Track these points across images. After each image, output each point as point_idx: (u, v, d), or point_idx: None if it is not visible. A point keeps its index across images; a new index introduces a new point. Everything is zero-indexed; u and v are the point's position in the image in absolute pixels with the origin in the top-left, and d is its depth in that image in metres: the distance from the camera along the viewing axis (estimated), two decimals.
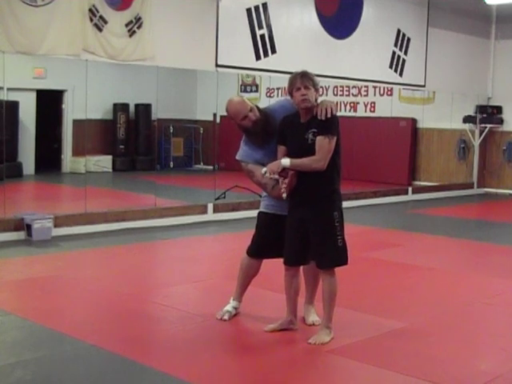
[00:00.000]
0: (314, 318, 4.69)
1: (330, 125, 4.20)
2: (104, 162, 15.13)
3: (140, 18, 8.39)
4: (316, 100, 4.28)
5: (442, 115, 14.15)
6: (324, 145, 4.16)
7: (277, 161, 4.26)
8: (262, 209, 4.68)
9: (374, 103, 15.03)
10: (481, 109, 13.82)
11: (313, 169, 4.18)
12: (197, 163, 16.76)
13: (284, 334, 4.45)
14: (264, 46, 9.72)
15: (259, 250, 4.67)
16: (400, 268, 6.79)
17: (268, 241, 4.60)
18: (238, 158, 4.56)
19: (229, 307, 4.78)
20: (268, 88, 15.38)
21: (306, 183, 4.25)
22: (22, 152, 13.67)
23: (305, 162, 4.18)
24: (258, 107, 4.54)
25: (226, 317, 4.71)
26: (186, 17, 8.93)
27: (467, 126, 13.93)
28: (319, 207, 4.27)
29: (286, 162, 4.21)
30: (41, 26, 7.52)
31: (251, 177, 4.51)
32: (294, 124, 4.30)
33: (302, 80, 4.20)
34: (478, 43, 13.71)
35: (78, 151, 14.58)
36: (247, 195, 9.53)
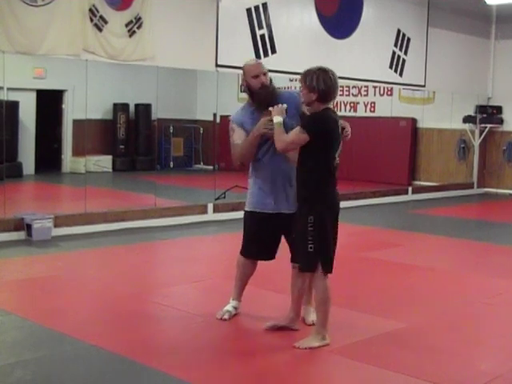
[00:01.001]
0: (313, 317, 4.68)
1: (308, 120, 4.20)
2: (104, 162, 15.12)
3: (140, 18, 8.39)
4: (313, 100, 4.18)
5: (442, 115, 14.15)
6: (293, 134, 4.18)
7: (281, 114, 4.27)
8: (246, 208, 4.71)
9: (374, 103, 15.03)
10: (481, 109, 13.82)
11: (276, 143, 4.23)
12: (197, 163, 16.77)
13: (284, 334, 4.45)
14: (264, 45, 9.71)
15: (249, 249, 4.69)
16: (400, 268, 6.79)
17: (255, 239, 4.63)
18: (231, 117, 4.68)
19: (229, 307, 4.78)
20: None
21: (295, 183, 4.33)
22: (22, 152, 13.67)
23: (278, 133, 4.22)
24: (271, 80, 4.58)
25: (226, 316, 4.71)
26: (186, 17, 8.93)
27: (467, 126, 13.93)
28: (300, 208, 4.27)
29: (278, 119, 4.25)
30: (41, 26, 7.52)
31: (230, 136, 4.63)
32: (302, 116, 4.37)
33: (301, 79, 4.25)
34: (478, 43, 13.71)
35: (78, 151, 14.58)
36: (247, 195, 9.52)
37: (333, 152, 4.21)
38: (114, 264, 6.73)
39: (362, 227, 9.11)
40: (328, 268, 4.23)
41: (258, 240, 4.62)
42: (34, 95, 14.09)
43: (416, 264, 6.95)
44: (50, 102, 14.60)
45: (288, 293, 5.32)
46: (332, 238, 4.24)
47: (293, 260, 4.51)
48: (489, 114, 13.77)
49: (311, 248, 4.16)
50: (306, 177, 4.21)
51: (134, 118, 16.05)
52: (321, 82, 4.11)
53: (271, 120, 4.30)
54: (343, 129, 4.36)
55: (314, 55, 10.37)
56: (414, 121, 14.45)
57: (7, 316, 4.75)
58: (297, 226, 4.26)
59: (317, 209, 4.17)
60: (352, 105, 15.30)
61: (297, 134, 4.15)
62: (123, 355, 4.02)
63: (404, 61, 12.05)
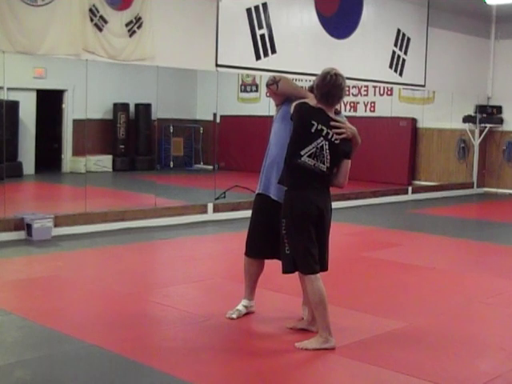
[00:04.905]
0: (304, 313, 4.69)
1: (351, 149, 4.26)
2: (104, 162, 15.14)
3: (140, 18, 8.40)
4: None
5: (442, 115, 14.15)
6: (348, 168, 4.25)
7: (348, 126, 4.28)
8: (258, 190, 4.70)
9: (374, 103, 15.03)
10: (481, 109, 13.83)
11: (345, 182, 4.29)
12: (197, 163, 16.77)
13: (284, 334, 4.45)
14: (264, 45, 9.72)
15: (251, 248, 4.68)
16: (400, 268, 6.79)
17: (259, 230, 4.61)
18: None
19: (239, 306, 4.80)
20: None
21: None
22: (22, 152, 13.67)
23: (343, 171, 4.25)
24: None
25: (234, 315, 4.72)
26: (185, 17, 8.93)
27: (467, 126, 13.93)
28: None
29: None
30: (41, 26, 7.52)
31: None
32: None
33: None
34: (478, 43, 13.71)
35: (78, 151, 14.59)
36: (247, 195, 9.53)
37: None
38: (114, 264, 6.73)
39: (362, 227, 9.11)
40: (305, 270, 4.19)
41: (261, 230, 4.60)
42: (34, 95, 14.09)
43: (416, 264, 6.95)
44: (50, 102, 14.60)
45: (287, 292, 5.33)
46: (309, 240, 4.16)
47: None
48: (489, 113, 13.78)
49: (288, 250, 4.20)
50: (286, 178, 4.26)
51: (133, 118, 16.06)
52: None
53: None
54: None
55: (314, 55, 10.38)
56: (413, 121, 14.45)
57: (7, 316, 4.75)
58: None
59: (289, 212, 4.19)
60: (352, 105, 15.30)
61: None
62: (123, 355, 4.02)
63: (404, 61, 12.05)
